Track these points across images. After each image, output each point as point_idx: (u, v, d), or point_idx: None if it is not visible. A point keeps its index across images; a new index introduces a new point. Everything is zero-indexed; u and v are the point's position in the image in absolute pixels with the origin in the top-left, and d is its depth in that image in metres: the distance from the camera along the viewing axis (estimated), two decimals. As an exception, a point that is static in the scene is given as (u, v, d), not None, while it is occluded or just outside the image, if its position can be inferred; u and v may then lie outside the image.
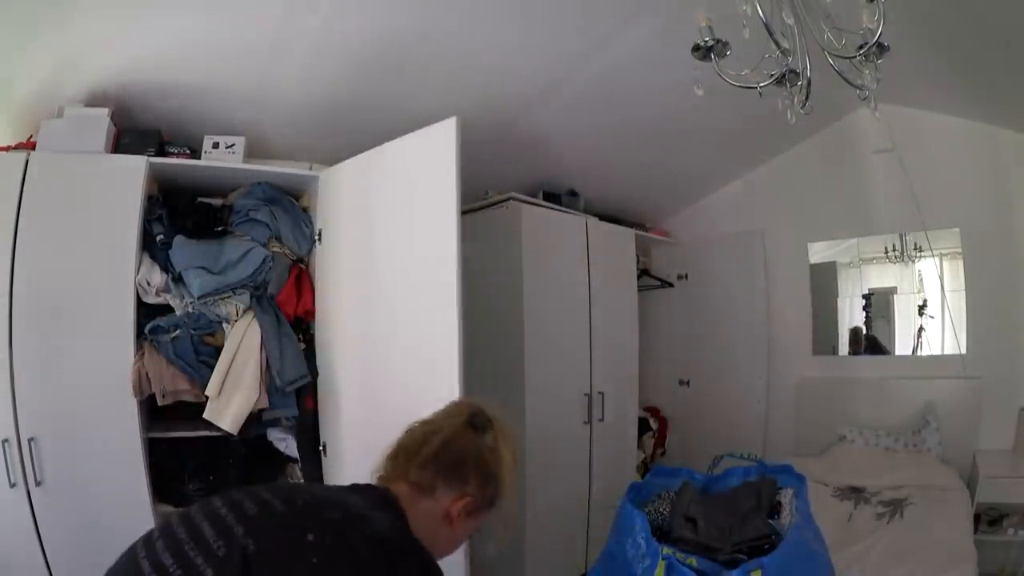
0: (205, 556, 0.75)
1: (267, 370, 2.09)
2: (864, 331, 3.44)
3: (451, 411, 1.09)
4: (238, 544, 0.76)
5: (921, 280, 3.24)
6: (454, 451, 1.00)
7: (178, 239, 2.06)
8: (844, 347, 3.49)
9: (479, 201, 2.84)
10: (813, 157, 3.54)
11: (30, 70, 1.90)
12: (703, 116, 2.80)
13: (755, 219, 3.74)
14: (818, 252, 3.59)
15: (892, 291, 3.36)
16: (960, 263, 3.06)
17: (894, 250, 3.30)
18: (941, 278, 3.15)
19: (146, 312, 2.02)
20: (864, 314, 3.43)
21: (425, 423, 1.07)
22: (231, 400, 2.00)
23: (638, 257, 3.64)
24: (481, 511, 1.01)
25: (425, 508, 0.96)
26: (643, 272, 3.81)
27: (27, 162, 1.83)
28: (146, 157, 2.00)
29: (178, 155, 2.11)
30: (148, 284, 1.98)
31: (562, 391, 2.85)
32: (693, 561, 1.30)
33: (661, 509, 1.70)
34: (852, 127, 3.35)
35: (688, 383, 3.95)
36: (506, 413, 1.09)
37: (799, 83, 1.42)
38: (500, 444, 1.04)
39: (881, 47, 1.33)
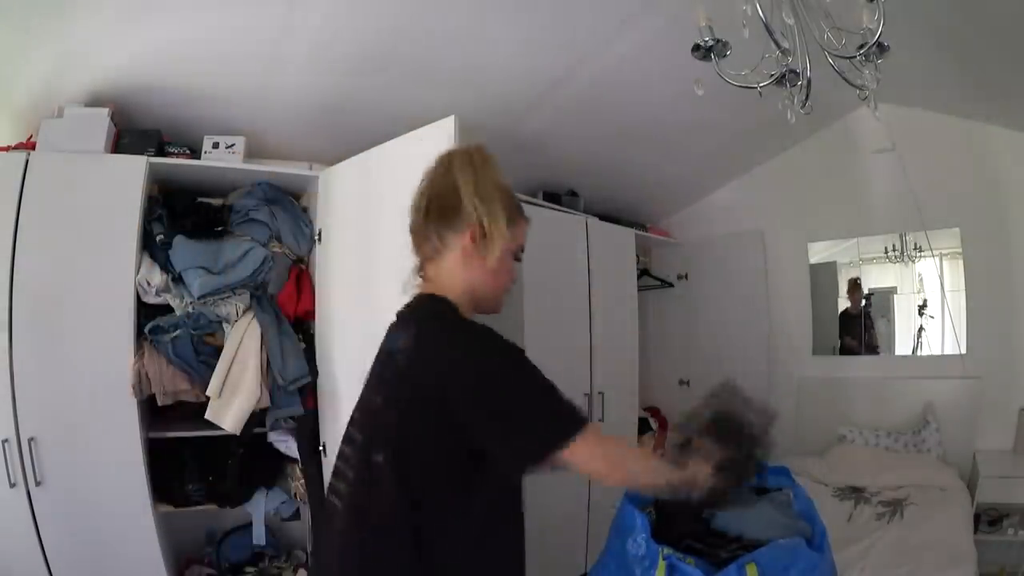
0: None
1: (268, 369, 2.09)
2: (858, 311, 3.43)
3: (431, 166, 1.06)
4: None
5: (921, 280, 3.23)
6: (439, 196, 0.99)
7: (178, 239, 2.06)
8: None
9: (479, 201, 2.83)
10: (813, 157, 3.54)
11: (30, 70, 1.90)
12: (703, 116, 2.80)
13: (755, 219, 3.73)
14: (818, 252, 3.58)
15: (892, 291, 3.36)
16: (960, 263, 3.06)
17: (894, 250, 3.29)
18: (941, 278, 3.15)
19: (146, 312, 2.02)
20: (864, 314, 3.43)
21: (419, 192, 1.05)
22: (232, 400, 2.00)
23: (638, 257, 3.63)
24: (496, 230, 0.97)
25: (447, 268, 0.99)
26: (643, 272, 3.81)
27: (27, 162, 1.84)
28: (146, 157, 2.00)
29: (178, 155, 2.11)
30: (148, 284, 1.98)
31: (562, 391, 2.84)
32: (691, 561, 1.30)
33: (662, 507, 1.70)
34: (852, 127, 3.34)
35: (688, 383, 3.95)
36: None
37: (799, 83, 1.42)
38: (456, 167, 1.00)
39: (881, 47, 1.33)
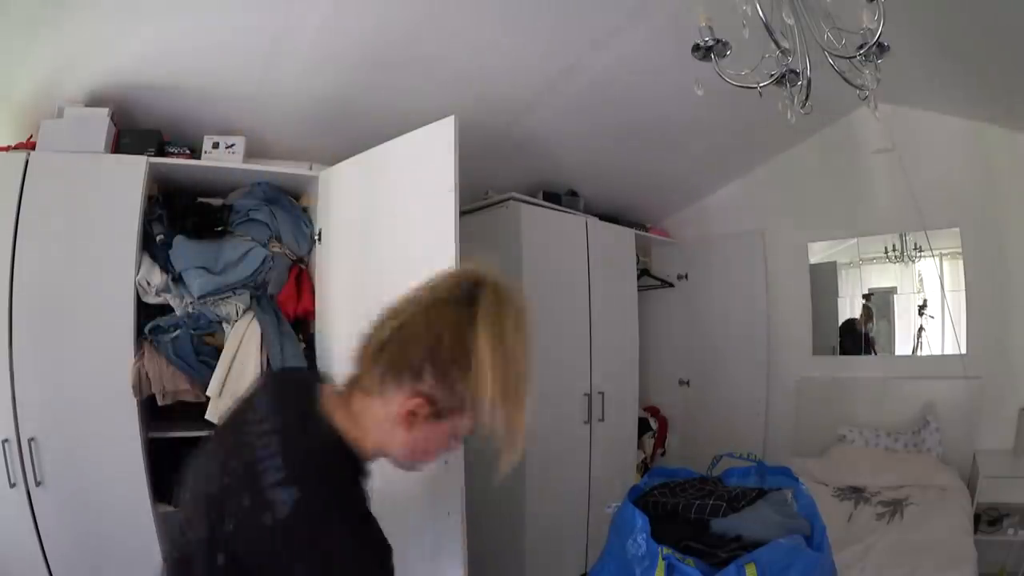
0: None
1: (268, 369, 2.09)
2: (863, 329, 3.43)
3: (434, 283, 0.81)
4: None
5: (921, 280, 3.24)
6: (406, 337, 0.76)
7: (178, 239, 2.06)
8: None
9: (479, 201, 2.84)
10: (813, 157, 3.54)
11: (30, 70, 1.90)
12: (703, 116, 2.80)
13: (755, 219, 3.74)
14: (818, 252, 3.59)
15: (892, 291, 3.36)
16: (960, 263, 3.06)
17: (894, 250, 3.30)
18: (941, 278, 3.15)
19: (146, 312, 2.02)
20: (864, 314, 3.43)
21: (394, 307, 0.81)
22: (232, 400, 2.00)
23: (638, 257, 3.64)
24: (448, 415, 0.75)
25: (373, 414, 0.77)
26: (643, 272, 3.81)
27: (27, 162, 1.83)
28: (146, 157, 1.99)
29: (178, 155, 2.11)
30: (148, 284, 1.98)
31: (562, 391, 2.84)
32: (691, 562, 1.30)
33: (663, 502, 1.70)
34: (852, 127, 3.34)
35: (688, 383, 3.95)
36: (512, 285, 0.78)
37: (799, 83, 1.42)
38: (480, 320, 0.74)
39: (881, 47, 1.33)
